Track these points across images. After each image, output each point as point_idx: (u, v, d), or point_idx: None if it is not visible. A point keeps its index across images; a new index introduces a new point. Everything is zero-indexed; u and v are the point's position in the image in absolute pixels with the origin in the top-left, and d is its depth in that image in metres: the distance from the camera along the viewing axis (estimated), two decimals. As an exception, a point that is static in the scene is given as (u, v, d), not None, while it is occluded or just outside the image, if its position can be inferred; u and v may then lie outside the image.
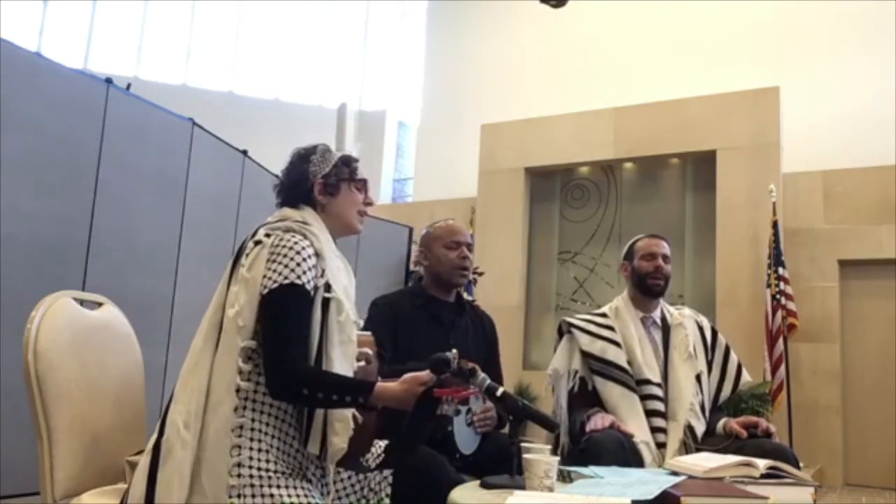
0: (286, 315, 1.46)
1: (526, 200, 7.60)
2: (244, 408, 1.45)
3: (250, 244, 1.55)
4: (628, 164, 7.35)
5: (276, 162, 1.88)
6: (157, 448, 1.41)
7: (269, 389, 1.44)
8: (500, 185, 7.62)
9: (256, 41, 12.34)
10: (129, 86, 3.88)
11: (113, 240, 3.62)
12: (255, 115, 11.02)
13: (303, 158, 1.68)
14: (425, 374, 1.50)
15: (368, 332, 1.73)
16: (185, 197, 4.13)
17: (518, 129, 7.65)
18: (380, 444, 1.72)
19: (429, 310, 2.36)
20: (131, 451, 1.61)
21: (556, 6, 5.43)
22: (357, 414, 1.52)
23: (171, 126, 4.07)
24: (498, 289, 7.23)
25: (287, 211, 1.63)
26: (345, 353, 1.54)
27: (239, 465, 1.40)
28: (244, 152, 4.73)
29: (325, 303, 1.52)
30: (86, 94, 3.51)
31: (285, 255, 1.49)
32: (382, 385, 1.46)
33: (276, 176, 1.73)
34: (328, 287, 1.53)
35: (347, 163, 1.70)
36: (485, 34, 9.34)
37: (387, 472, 1.68)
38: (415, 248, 6.46)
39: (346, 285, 1.61)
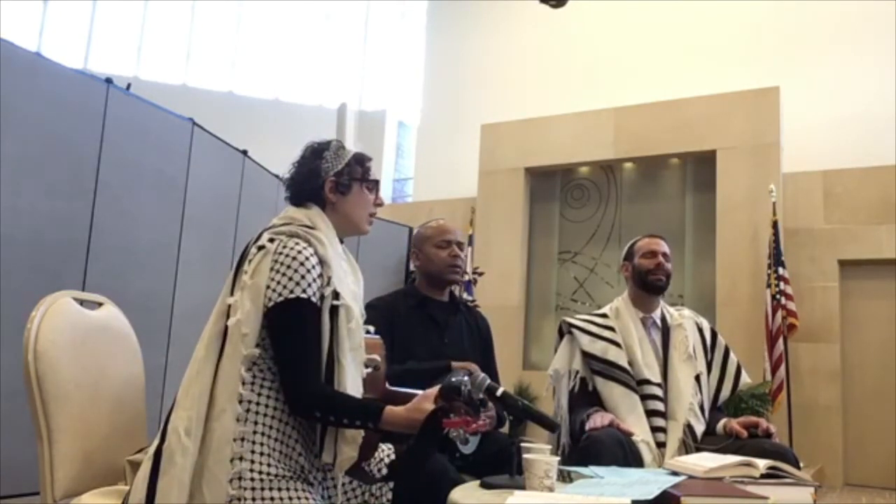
0: (294, 332, 1.45)
1: (526, 200, 7.60)
2: (247, 412, 1.44)
3: (253, 249, 1.52)
4: (628, 164, 7.35)
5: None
6: (157, 454, 1.40)
7: (286, 406, 1.46)
8: (500, 185, 7.62)
9: (256, 41, 12.32)
10: (129, 86, 3.88)
11: (113, 240, 3.62)
12: (255, 115, 11.00)
13: (315, 153, 1.64)
14: (431, 397, 1.47)
15: (378, 336, 1.71)
16: (185, 197, 4.13)
17: (518, 129, 7.65)
18: (383, 449, 1.71)
19: (423, 310, 2.37)
20: (131, 452, 1.60)
21: (555, 6, 5.42)
22: None
23: (170, 126, 4.07)
24: (498, 289, 7.23)
25: (293, 211, 1.60)
26: (355, 360, 1.53)
27: (240, 472, 1.39)
28: (244, 152, 4.73)
29: (334, 310, 1.50)
30: (86, 94, 3.51)
31: (289, 266, 1.47)
32: (390, 409, 1.45)
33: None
34: (336, 294, 1.51)
35: (361, 161, 1.67)
36: (485, 34, 9.34)
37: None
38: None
39: (353, 289, 1.59)
